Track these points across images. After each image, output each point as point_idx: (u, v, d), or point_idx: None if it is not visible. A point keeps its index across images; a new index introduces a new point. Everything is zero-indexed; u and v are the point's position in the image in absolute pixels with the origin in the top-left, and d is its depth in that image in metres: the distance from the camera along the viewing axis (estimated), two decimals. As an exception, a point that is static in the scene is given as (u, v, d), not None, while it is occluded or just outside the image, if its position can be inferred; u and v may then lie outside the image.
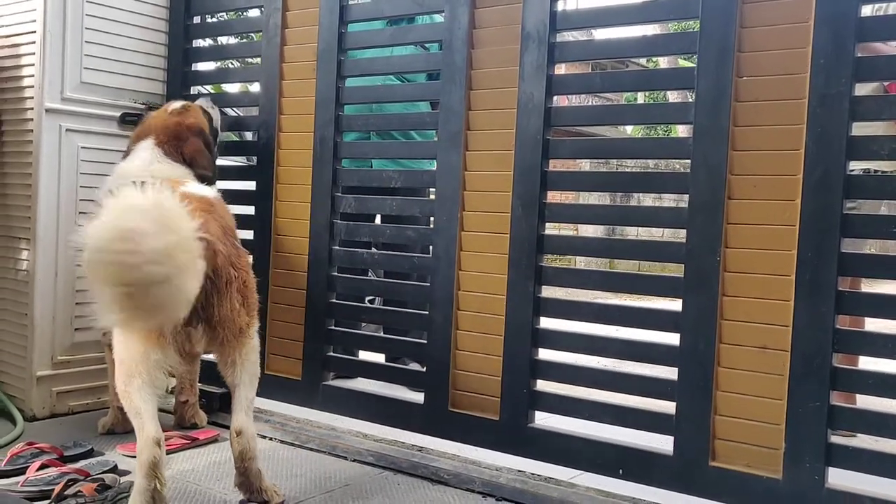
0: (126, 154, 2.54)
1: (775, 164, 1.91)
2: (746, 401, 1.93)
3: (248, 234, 2.85)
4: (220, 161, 2.81)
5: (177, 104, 2.63)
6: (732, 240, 1.96)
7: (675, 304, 2.07)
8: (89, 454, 2.37)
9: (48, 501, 1.95)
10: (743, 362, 1.94)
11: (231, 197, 2.77)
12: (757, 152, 1.93)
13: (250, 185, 2.90)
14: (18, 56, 2.79)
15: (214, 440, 2.59)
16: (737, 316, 1.95)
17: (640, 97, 16.08)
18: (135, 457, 1.92)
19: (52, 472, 2.13)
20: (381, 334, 3.24)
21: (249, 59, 4.57)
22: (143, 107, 2.94)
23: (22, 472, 2.15)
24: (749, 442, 1.93)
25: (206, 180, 2.56)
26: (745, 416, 1.94)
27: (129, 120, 2.84)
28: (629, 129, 17.93)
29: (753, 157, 1.94)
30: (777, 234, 1.90)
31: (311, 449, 2.55)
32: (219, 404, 2.76)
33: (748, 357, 1.93)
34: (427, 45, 3.09)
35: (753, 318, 1.93)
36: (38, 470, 2.13)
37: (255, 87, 3.10)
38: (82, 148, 2.80)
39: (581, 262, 8.91)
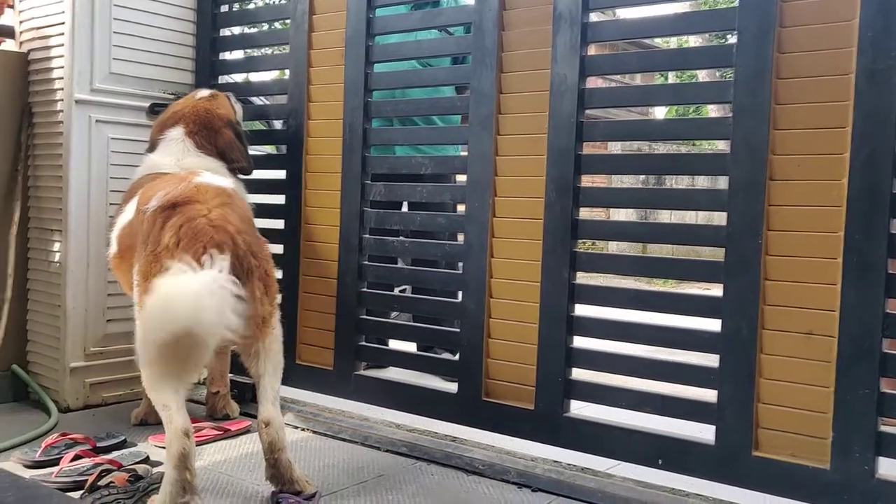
0: (152, 144, 2.53)
1: (820, 142, 1.84)
2: (791, 388, 1.87)
3: (278, 224, 2.83)
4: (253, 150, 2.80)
5: (204, 92, 2.61)
6: (775, 222, 1.89)
7: (710, 290, 2.00)
8: (122, 445, 2.37)
9: (81, 492, 1.95)
10: (787, 349, 1.87)
11: (261, 186, 2.76)
12: (800, 131, 1.86)
13: (280, 174, 2.88)
14: (48, 48, 2.79)
15: (246, 431, 2.58)
16: (780, 301, 1.89)
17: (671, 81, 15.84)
18: (165, 448, 1.91)
19: (85, 462, 2.13)
20: (412, 323, 3.21)
21: (278, 48, 4.55)
22: (171, 97, 2.93)
23: (56, 462, 2.16)
24: (794, 431, 1.86)
25: (242, 172, 2.55)
26: (790, 404, 1.87)
27: (158, 110, 2.83)
28: (657, 114, 17.71)
29: (797, 136, 1.86)
30: (823, 215, 1.83)
31: (344, 439, 2.53)
32: (251, 395, 2.74)
33: (793, 343, 1.87)
34: (451, 29, 3.04)
35: (798, 303, 1.86)
36: (71, 461, 2.14)
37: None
38: (112, 139, 2.80)
39: (613, 248, 8.83)
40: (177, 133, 2.46)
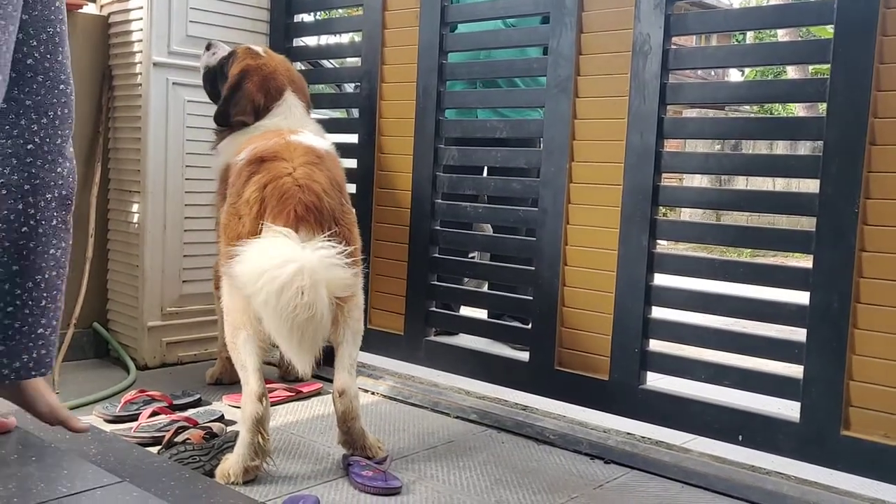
0: (257, 109, 2.36)
1: (927, 105, 1.71)
2: (886, 365, 1.76)
3: (350, 188, 2.81)
4: (320, 114, 2.78)
5: (257, 48, 2.51)
6: (874, 190, 1.78)
7: (788, 261, 1.91)
8: (197, 403, 2.41)
9: (159, 447, 1.98)
10: (882, 324, 1.77)
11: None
12: (906, 92, 1.74)
13: (352, 138, 2.85)
14: (127, 10, 2.82)
15: (318, 393, 2.60)
16: (877, 273, 1.78)
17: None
18: (240, 407, 1.93)
19: (162, 419, 2.18)
20: (485, 290, 3.17)
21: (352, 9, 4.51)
22: (246, 60, 2.93)
23: (135, 418, 2.21)
24: (888, 410, 1.76)
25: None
26: (883, 382, 1.77)
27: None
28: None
29: (902, 98, 1.74)
30: (927, 183, 1.71)
31: (414, 404, 2.52)
32: (322, 358, 2.74)
33: (889, 318, 1.76)
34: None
35: (896, 276, 1.76)
36: (149, 417, 2.18)
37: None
38: (188, 101, 2.82)
39: (686, 216, 8.60)
40: (294, 100, 2.39)
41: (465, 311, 3.21)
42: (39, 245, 1.63)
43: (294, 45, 3.06)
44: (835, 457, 1.84)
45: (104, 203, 2.92)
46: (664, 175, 2.15)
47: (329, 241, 1.83)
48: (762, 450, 1.96)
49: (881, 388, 1.77)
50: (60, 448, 1.42)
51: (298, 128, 2.24)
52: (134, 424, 2.16)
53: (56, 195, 1.67)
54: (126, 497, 1.19)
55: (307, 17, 3.14)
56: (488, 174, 3.12)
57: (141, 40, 2.76)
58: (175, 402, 2.35)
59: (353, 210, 2.08)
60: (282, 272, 1.68)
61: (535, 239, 2.38)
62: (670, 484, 1.99)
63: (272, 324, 1.75)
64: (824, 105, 1.85)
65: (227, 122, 2.38)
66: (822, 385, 1.85)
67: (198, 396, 2.43)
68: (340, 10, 3.90)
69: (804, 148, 7.68)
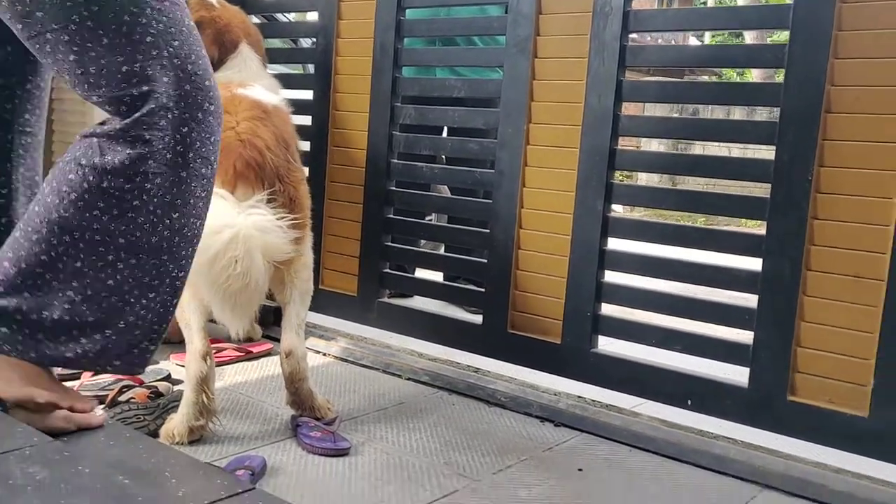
0: (211, 61, 2.26)
1: (886, 73, 1.71)
2: (833, 333, 1.79)
3: (304, 145, 2.75)
4: (276, 69, 2.70)
5: None
6: (828, 158, 1.78)
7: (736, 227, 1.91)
8: (143, 362, 2.35)
9: (102, 406, 1.93)
10: (832, 291, 1.79)
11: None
12: (863, 60, 1.73)
13: (307, 95, 2.78)
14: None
15: (268, 353, 2.56)
16: (828, 241, 1.79)
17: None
18: (185, 368, 1.88)
19: (106, 377, 2.12)
20: (437, 252, 3.14)
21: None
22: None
23: (77, 376, 2.14)
24: (833, 377, 1.79)
25: None
26: (830, 349, 1.79)
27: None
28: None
29: (858, 66, 1.74)
30: (881, 152, 1.71)
31: (365, 366, 2.50)
32: (273, 318, 2.71)
33: (838, 286, 1.78)
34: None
35: (847, 244, 1.76)
36: (92, 375, 2.12)
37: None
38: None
39: (642, 180, 8.65)
40: (249, 52, 2.29)
41: (420, 273, 3.18)
42: None
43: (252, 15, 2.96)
44: (781, 422, 1.86)
45: (49, 159, 2.81)
46: (621, 139, 2.13)
47: (269, 199, 1.79)
48: (711, 414, 1.98)
49: (828, 354, 1.80)
50: (-7, 407, 1.36)
51: (252, 82, 2.16)
52: (77, 383, 2.10)
53: None
54: (56, 457, 1.15)
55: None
56: (448, 135, 3.07)
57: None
58: (120, 361, 2.28)
59: (303, 168, 2.02)
60: (215, 241, 1.64)
61: (490, 201, 2.35)
62: (619, 447, 2.00)
63: (205, 292, 1.73)
64: (781, 73, 1.85)
65: None
66: (770, 351, 1.87)
67: (144, 355, 2.37)
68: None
69: (760, 115, 7.75)
